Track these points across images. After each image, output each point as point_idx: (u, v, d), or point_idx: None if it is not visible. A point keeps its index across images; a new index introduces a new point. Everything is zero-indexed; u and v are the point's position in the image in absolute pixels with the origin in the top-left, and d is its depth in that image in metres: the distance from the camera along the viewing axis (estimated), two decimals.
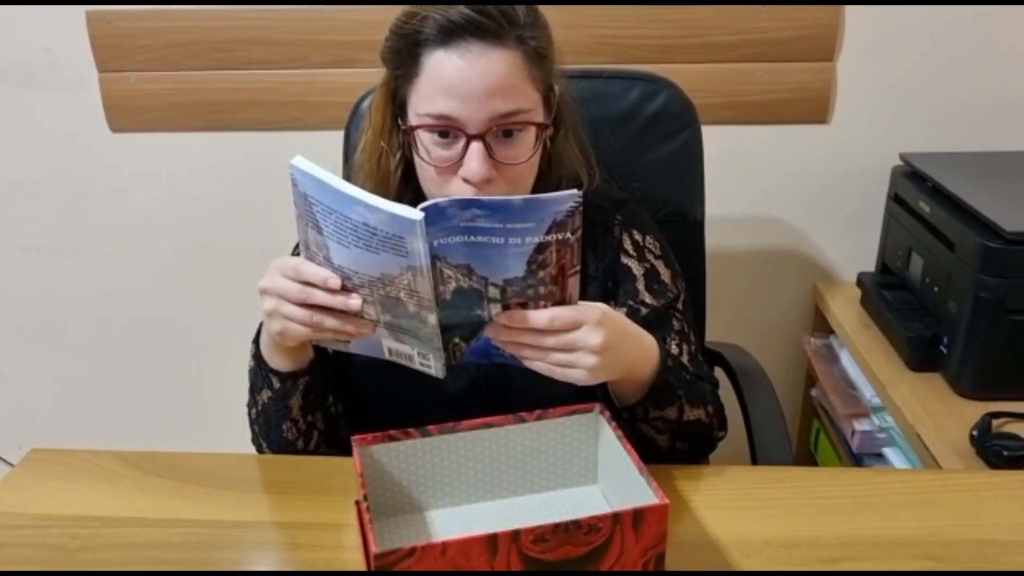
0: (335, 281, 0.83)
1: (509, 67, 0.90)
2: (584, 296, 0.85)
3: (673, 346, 1.03)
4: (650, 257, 1.07)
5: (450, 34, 0.89)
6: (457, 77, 0.89)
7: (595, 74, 1.29)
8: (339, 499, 0.92)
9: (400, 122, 0.97)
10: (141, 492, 0.95)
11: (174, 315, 1.86)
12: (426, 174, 0.95)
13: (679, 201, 1.30)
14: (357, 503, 0.84)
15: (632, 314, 1.02)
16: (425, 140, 0.93)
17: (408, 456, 0.87)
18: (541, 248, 0.78)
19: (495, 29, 0.89)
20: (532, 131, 0.94)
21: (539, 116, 0.95)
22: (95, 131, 1.71)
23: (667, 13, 1.59)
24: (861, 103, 1.65)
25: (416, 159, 0.96)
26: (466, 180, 0.91)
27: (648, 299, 1.05)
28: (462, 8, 0.88)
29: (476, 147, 0.90)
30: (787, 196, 1.72)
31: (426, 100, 0.91)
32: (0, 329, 1.89)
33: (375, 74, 1.00)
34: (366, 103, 1.21)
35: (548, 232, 0.77)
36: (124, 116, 1.69)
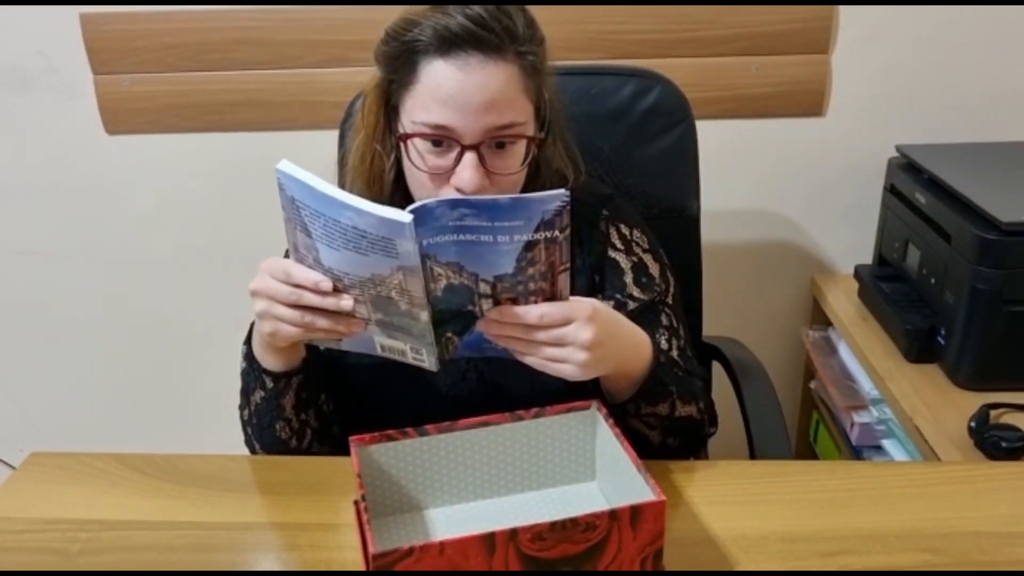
0: (326, 284, 0.83)
1: (507, 81, 0.90)
2: (571, 291, 0.85)
3: (662, 341, 1.03)
4: (638, 251, 1.07)
5: (450, 45, 0.89)
6: (455, 88, 0.89)
7: (588, 70, 1.29)
8: (337, 499, 0.92)
9: (393, 126, 0.97)
10: (140, 495, 0.95)
11: (172, 316, 1.86)
12: (418, 180, 0.95)
13: (675, 196, 1.30)
14: (356, 503, 0.84)
15: (619, 308, 1.02)
16: (419, 147, 0.93)
17: (406, 456, 0.87)
18: (530, 246, 0.78)
19: (496, 43, 0.89)
20: (524, 142, 0.95)
21: (531, 129, 0.95)
22: (90, 134, 1.70)
23: (660, 8, 1.58)
24: (856, 95, 1.65)
25: (407, 164, 0.96)
26: (458, 189, 0.92)
27: (636, 293, 1.05)
28: (462, 19, 0.88)
29: (470, 157, 0.91)
30: (783, 189, 1.72)
31: (422, 109, 0.91)
32: None
33: (369, 73, 1.00)
34: (359, 103, 1.21)
35: (536, 231, 0.77)
36: (119, 118, 1.69)
